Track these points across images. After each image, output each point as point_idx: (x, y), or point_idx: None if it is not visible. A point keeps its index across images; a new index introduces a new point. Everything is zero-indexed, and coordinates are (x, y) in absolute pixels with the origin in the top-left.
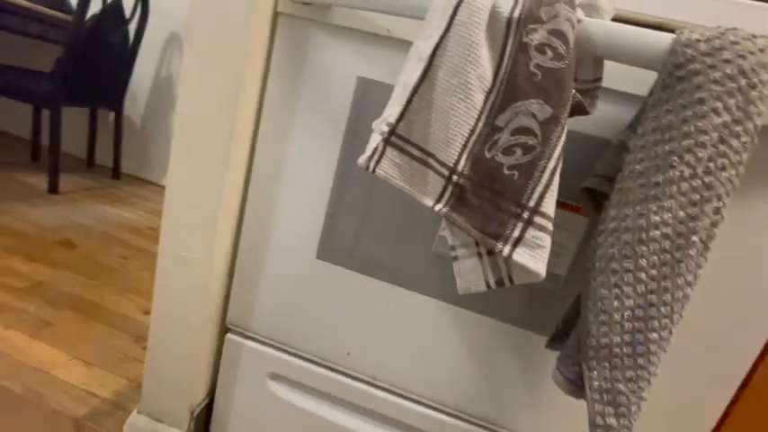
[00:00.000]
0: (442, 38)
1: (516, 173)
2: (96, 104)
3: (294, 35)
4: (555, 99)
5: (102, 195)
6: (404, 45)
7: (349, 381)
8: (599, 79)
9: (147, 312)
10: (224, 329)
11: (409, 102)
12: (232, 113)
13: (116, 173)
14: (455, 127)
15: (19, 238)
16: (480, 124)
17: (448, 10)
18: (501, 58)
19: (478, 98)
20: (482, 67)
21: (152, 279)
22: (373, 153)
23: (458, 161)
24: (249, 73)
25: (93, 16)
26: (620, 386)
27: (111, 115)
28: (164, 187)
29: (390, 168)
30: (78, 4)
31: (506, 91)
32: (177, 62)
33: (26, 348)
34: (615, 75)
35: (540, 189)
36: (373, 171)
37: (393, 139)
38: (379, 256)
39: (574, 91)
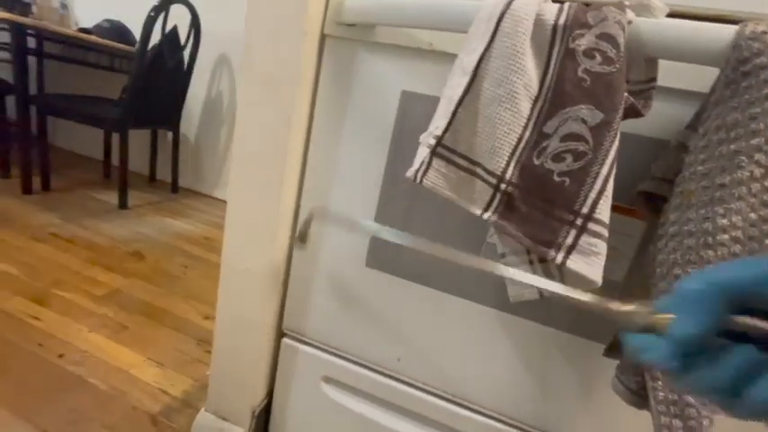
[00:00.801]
0: (486, 50)
1: (567, 179)
2: (157, 126)
3: (340, 55)
4: (605, 103)
5: (164, 209)
6: (446, 57)
7: (400, 386)
8: (653, 80)
9: (207, 318)
10: (280, 334)
11: (455, 114)
12: (286, 132)
13: (174, 187)
14: (502, 136)
15: (97, 250)
16: (528, 132)
17: (491, 22)
18: (547, 66)
19: (525, 106)
20: (528, 76)
21: (211, 286)
22: (420, 165)
23: (505, 169)
24: (300, 93)
25: (154, 46)
26: (689, 398)
27: (170, 135)
28: (216, 199)
29: (437, 179)
30: (141, 36)
31: (554, 98)
32: (226, 82)
33: (108, 350)
34: (672, 72)
35: (593, 195)
36: (420, 182)
37: (439, 150)
38: (427, 263)
39: (626, 94)
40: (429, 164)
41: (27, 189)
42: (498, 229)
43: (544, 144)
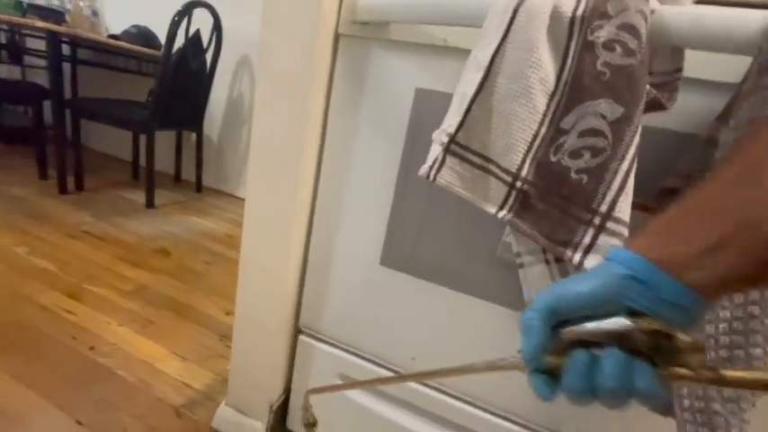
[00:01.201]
0: (500, 45)
1: (585, 177)
2: (181, 127)
3: (354, 53)
4: (626, 97)
5: (188, 207)
6: (461, 53)
7: (415, 385)
8: (679, 70)
9: (228, 313)
10: (297, 331)
11: (468, 110)
12: (301, 129)
13: (198, 186)
14: (517, 132)
15: (125, 247)
16: (544, 128)
17: (505, 16)
18: (564, 59)
19: (541, 101)
20: (544, 70)
21: (232, 283)
22: (434, 163)
23: (521, 167)
24: (315, 92)
25: (178, 50)
26: (716, 406)
27: (194, 136)
28: (239, 198)
29: (451, 177)
30: (165, 41)
31: (572, 92)
32: (247, 83)
33: (134, 343)
34: (699, 62)
35: (612, 193)
36: (434, 180)
37: (453, 147)
38: (442, 262)
39: (649, 87)
40: (442, 162)
41: (63, 189)
42: (513, 228)
43: (561, 140)
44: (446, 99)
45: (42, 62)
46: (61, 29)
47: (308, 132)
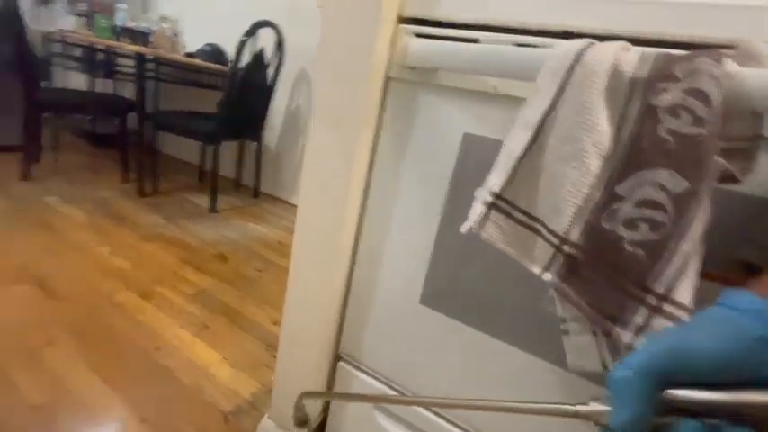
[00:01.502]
0: (553, 104)
1: (641, 251)
2: (243, 138)
3: (403, 96)
4: (691, 170)
5: (246, 213)
6: (512, 101)
7: (448, 426)
8: (759, 137)
9: (275, 323)
10: (337, 356)
11: (515, 169)
12: (349, 168)
13: (256, 192)
14: (567, 195)
15: (189, 251)
16: (597, 192)
17: (559, 74)
18: (622, 121)
19: (594, 164)
20: (599, 133)
21: (280, 291)
22: (476, 219)
23: (569, 230)
24: (363, 130)
25: (243, 67)
26: None
27: (254, 144)
28: (293, 205)
29: (495, 232)
30: (234, 58)
31: (629, 157)
32: (305, 95)
33: (192, 346)
34: None
35: (670, 273)
36: (477, 233)
37: (498, 202)
38: (482, 307)
39: (720, 160)
40: (486, 217)
41: (141, 192)
42: (558, 293)
43: (615, 206)
44: (494, 145)
45: (130, 77)
46: (147, 50)
47: (355, 169)
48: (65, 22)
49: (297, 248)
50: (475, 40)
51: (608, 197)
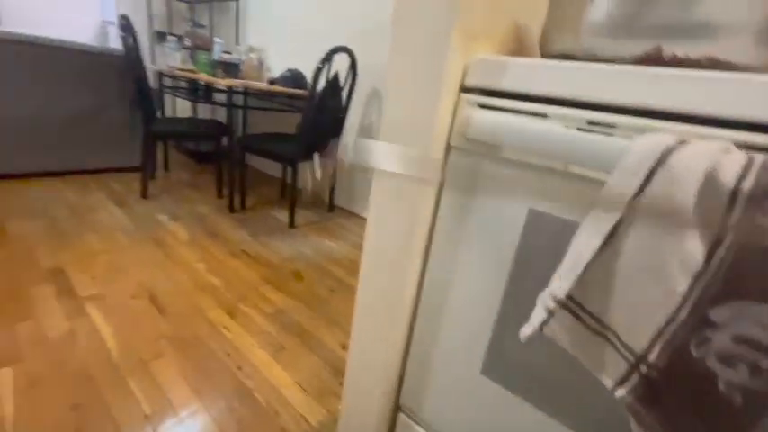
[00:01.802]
0: (630, 209)
1: (739, 398)
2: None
3: (465, 165)
4: None
5: (321, 228)
6: (584, 182)
7: None
8: None
9: (344, 347)
10: (398, 407)
11: (584, 273)
12: (409, 231)
13: (331, 206)
14: (647, 312)
15: (270, 268)
16: (684, 312)
17: (639, 174)
18: (719, 238)
19: (682, 282)
20: (687, 249)
21: (349, 313)
22: (538, 324)
23: (648, 350)
24: (423, 198)
25: (320, 91)
26: None
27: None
28: (365, 219)
29: (560, 331)
30: (311, 84)
31: (727, 281)
32: (376, 112)
33: (269, 367)
34: None
35: None
36: (540, 330)
37: (566, 301)
38: (546, 386)
39: None
40: (552, 315)
41: (231, 208)
42: (634, 415)
43: (707, 334)
44: (562, 226)
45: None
46: (236, 82)
47: (415, 234)
48: (173, 58)
49: (359, 305)
50: (542, 114)
51: (698, 321)
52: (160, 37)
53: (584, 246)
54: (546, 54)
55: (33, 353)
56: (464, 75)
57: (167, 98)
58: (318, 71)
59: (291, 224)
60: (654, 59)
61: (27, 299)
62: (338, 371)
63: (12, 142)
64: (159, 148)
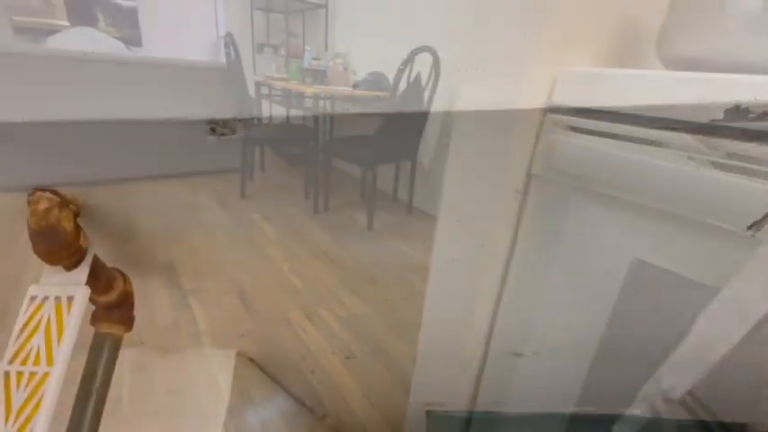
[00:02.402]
0: None
1: None
2: (398, 160)
3: (550, 197)
4: None
5: (398, 231)
6: (710, 230)
7: None
8: None
9: (411, 360)
10: None
11: (710, 371)
12: (480, 268)
13: (409, 208)
14: None
15: (347, 271)
16: None
17: None
18: None
19: None
20: None
21: (417, 324)
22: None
23: None
24: (497, 230)
25: (402, 91)
26: None
27: (409, 162)
28: None
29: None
30: (392, 86)
31: None
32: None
33: (339, 374)
34: None
35: None
36: None
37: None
38: None
39: None
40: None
41: (316, 209)
42: None
43: None
44: (676, 281)
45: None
46: (321, 89)
47: (487, 270)
48: (269, 68)
49: (424, 336)
50: (656, 142)
51: None
52: (260, 48)
53: (716, 333)
54: (665, 60)
55: (148, 337)
56: (551, 91)
57: (264, 103)
58: (400, 73)
59: (370, 227)
60: None
61: (144, 288)
62: (406, 389)
63: (134, 147)
64: (257, 151)
